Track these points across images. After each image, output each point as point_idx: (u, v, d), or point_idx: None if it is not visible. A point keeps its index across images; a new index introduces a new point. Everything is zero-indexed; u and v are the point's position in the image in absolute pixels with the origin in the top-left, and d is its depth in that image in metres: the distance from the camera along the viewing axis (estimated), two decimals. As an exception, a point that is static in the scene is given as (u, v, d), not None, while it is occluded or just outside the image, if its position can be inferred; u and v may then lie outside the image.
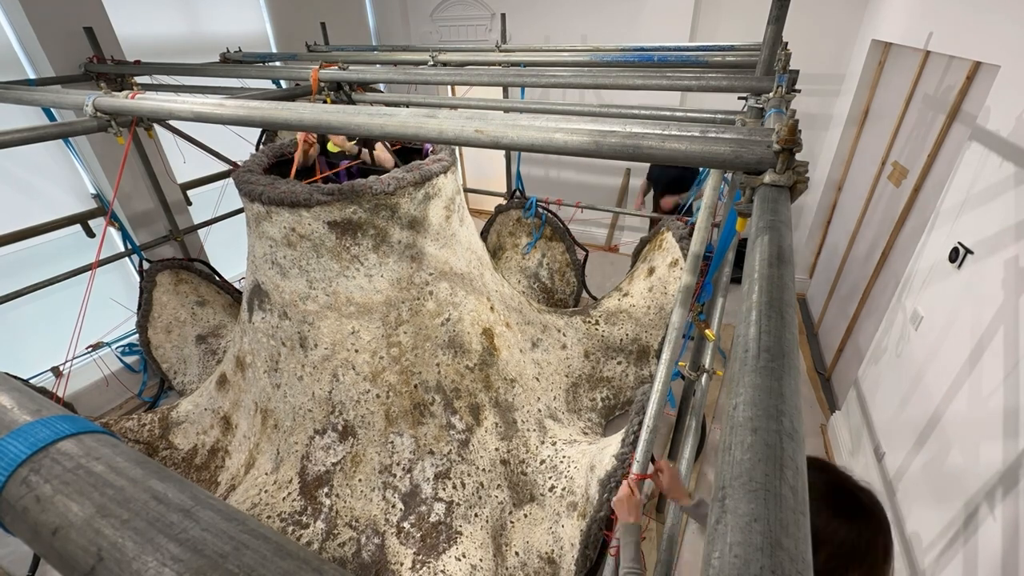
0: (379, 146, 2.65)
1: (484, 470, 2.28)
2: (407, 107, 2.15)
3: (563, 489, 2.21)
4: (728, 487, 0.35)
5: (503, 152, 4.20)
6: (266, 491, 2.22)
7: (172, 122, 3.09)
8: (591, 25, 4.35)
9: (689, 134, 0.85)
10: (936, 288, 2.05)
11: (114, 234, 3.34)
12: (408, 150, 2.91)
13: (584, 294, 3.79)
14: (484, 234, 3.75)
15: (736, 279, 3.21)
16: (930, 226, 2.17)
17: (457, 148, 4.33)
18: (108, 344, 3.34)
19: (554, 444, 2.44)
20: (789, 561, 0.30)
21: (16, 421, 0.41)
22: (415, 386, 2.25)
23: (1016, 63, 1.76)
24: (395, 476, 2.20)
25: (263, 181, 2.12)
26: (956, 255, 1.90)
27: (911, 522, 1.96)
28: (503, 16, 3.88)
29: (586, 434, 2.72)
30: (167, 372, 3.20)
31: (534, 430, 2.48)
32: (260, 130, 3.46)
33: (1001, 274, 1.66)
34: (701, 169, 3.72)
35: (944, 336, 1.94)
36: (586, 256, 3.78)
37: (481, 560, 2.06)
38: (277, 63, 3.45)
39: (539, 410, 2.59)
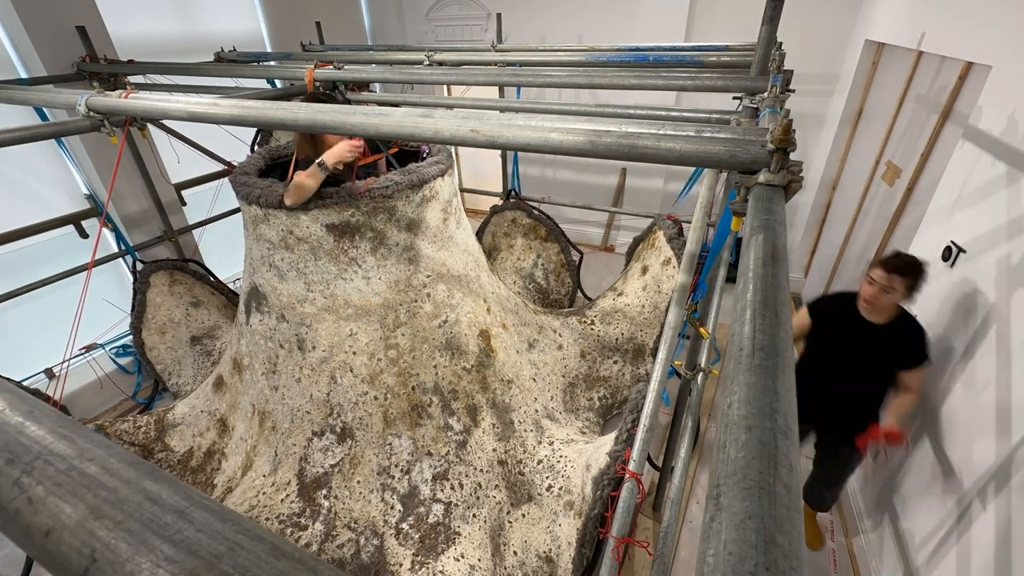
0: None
1: (482, 471, 2.28)
2: (401, 107, 2.14)
3: (560, 488, 2.21)
4: (723, 485, 0.36)
5: (499, 152, 4.20)
6: (264, 493, 2.22)
7: (166, 122, 3.07)
8: (587, 25, 4.36)
9: (684, 134, 0.85)
10: (929, 287, 2.06)
11: (108, 235, 3.32)
12: (405, 152, 2.91)
13: (579, 295, 3.79)
14: (479, 235, 3.74)
15: (732, 278, 3.22)
16: (923, 225, 2.19)
17: (453, 148, 4.32)
18: (102, 345, 3.31)
19: (551, 444, 2.44)
20: (783, 558, 0.30)
21: (8, 422, 0.40)
22: (413, 388, 2.25)
23: (1007, 63, 1.77)
24: (393, 477, 2.20)
25: (261, 184, 2.11)
26: (949, 254, 1.91)
27: (906, 519, 1.98)
28: (499, 16, 3.89)
29: (584, 434, 2.73)
30: (161, 374, 3.19)
31: (531, 430, 2.48)
32: (255, 130, 3.44)
33: (993, 273, 1.68)
34: None
35: (938, 334, 1.96)
36: (581, 258, 3.79)
37: (480, 560, 2.06)
38: (272, 63, 3.44)
39: (536, 410, 2.59)
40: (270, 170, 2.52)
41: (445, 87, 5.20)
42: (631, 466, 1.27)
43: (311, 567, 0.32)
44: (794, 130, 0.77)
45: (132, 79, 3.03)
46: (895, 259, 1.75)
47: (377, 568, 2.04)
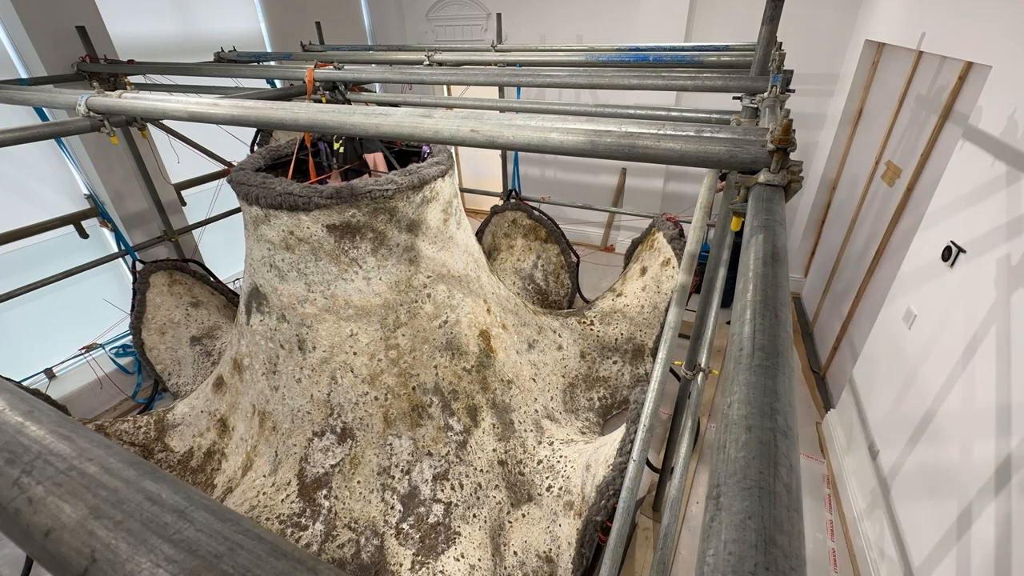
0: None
1: (482, 471, 2.27)
2: (401, 107, 2.14)
3: (560, 488, 2.21)
4: (723, 485, 0.36)
5: (499, 152, 4.20)
6: (264, 493, 2.21)
7: (166, 122, 3.07)
8: (587, 25, 4.36)
9: (684, 134, 0.85)
10: (929, 286, 2.06)
11: (107, 235, 3.32)
12: (406, 152, 2.91)
13: (578, 297, 3.78)
14: (479, 235, 3.74)
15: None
16: (923, 225, 2.19)
17: (453, 148, 4.33)
18: (102, 346, 3.31)
19: (551, 444, 2.44)
20: (783, 558, 0.30)
21: (8, 422, 0.40)
22: (413, 388, 2.25)
23: (1007, 63, 1.77)
24: (393, 478, 2.20)
25: (260, 183, 2.11)
26: (948, 254, 1.91)
27: (905, 519, 1.98)
28: (499, 16, 3.89)
29: (584, 433, 2.73)
30: (161, 374, 3.18)
31: (531, 431, 2.48)
32: (255, 130, 3.44)
33: (993, 272, 1.68)
34: None
35: (937, 334, 1.96)
36: (578, 261, 3.77)
37: (480, 560, 2.06)
38: (272, 63, 3.43)
39: (536, 411, 2.59)
40: (270, 170, 2.52)
41: (445, 87, 5.20)
42: (631, 466, 1.27)
43: (311, 567, 0.32)
44: (794, 130, 0.77)
45: (132, 79, 3.03)
46: None
47: (377, 568, 2.03)
